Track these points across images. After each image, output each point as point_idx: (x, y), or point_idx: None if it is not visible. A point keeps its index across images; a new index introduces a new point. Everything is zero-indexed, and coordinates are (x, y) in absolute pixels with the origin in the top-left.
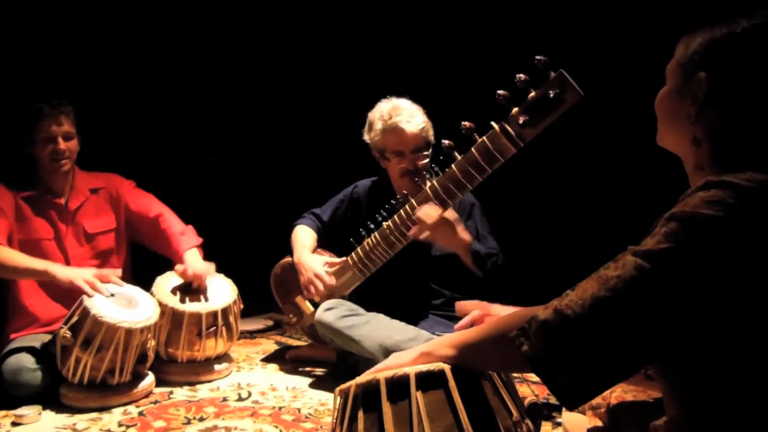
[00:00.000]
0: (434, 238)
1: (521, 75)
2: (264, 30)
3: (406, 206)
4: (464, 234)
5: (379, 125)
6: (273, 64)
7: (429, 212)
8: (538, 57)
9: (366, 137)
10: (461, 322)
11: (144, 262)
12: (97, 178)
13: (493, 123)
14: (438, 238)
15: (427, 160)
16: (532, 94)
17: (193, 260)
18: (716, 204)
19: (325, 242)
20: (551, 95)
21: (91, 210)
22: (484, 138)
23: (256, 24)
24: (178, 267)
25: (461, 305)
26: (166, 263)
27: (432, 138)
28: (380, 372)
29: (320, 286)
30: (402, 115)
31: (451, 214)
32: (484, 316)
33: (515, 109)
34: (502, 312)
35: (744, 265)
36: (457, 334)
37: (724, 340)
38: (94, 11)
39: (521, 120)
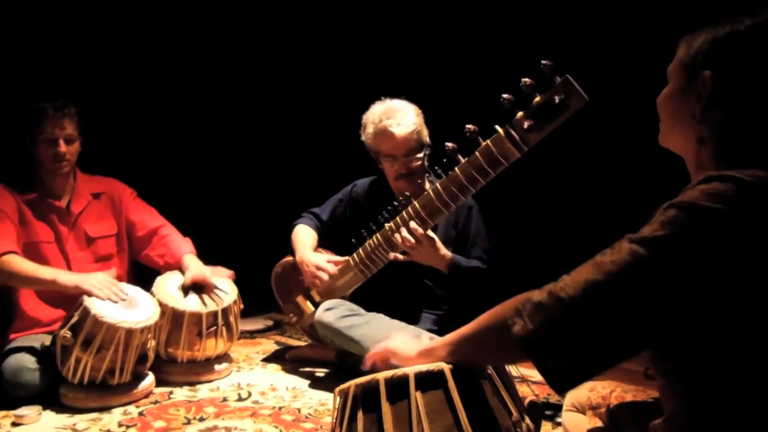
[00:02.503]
0: (416, 257)
1: (526, 79)
2: (264, 30)
3: (409, 208)
4: (445, 251)
5: (370, 129)
6: (273, 64)
7: (408, 235)
8: (543, 62)
9: (363, 137)
10: None
11: (145, 265)
12: (98, 183)
13: (497, 127)
14: (419, 257)
15: (419, 162)
16: (538, 98)
17: (193, 262)
18: (716, 196)
19: (324, 242)
20: (557, 100)
21: (94, 214)
22: (489, 142)
23: (255, 24)
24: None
25: None
26: None
27: (426, 138)
28: (380, 372)
29: (324, 277)
30: (393, 118)
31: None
32: None
33: (520, 114)
34: None
35: (741, 259)
36: (454, 331)
37: (720, 333)
38: (94, 11)
39: (526, 124)
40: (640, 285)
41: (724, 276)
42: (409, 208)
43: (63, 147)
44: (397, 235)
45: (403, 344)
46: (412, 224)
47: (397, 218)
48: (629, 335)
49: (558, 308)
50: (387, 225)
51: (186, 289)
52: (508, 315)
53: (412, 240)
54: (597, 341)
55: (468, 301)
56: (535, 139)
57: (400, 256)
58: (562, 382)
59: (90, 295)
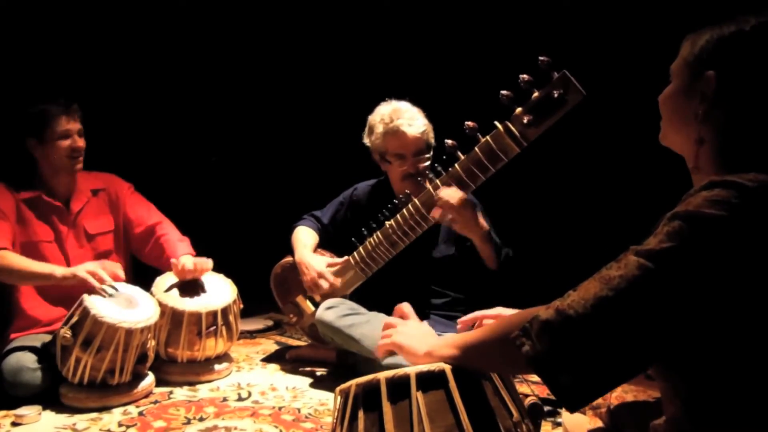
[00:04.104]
0: (457, 220)
1: (525, 75)
2: (264, 30)
3: (409, 206)
4: (483, 221)
5: (380, 128)
6: (273, 64)
7: (452, 193)
8: (541, 58)
9: (366, 140)
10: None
11: (144, 262)
12: (97, 179)
13: (496, 123)
14: (460, 220)
15: (427, 163)
16: (536, 94)
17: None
18: (719, 204)
19: (325, 244)
20: (555, 95)
21: (92, 211)
22: (488, 137)
23: (256, 24)
24: (175, 261)
25: (462, 321)
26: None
27: (433, 140)
28: (380, 372)
29: (325, 285)
30: (403, 117)
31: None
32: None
33: (519, 109)
34: (505, 314)
35: (746, 265)
36: (459, 335)
37: (726, 339)
38: (93, 11)
39: (525, 120)
40: (649, 299)
41: (731, 283)
42: (410, 206)
43: (79, 141)
44: (437, 199)
45: (412, 340)
46: (452, 187)
47: (398, 216)
48: (641, 350)
49: (567, 327)
50: (387, 223)
51: (185, 289)
52: (516, 335)
53: (455, 199)
54: (608, 358)
55: (481, 292)
56: (534, 134)
57: (443, 218)
58: (574, 401)
59: (85, 284)
